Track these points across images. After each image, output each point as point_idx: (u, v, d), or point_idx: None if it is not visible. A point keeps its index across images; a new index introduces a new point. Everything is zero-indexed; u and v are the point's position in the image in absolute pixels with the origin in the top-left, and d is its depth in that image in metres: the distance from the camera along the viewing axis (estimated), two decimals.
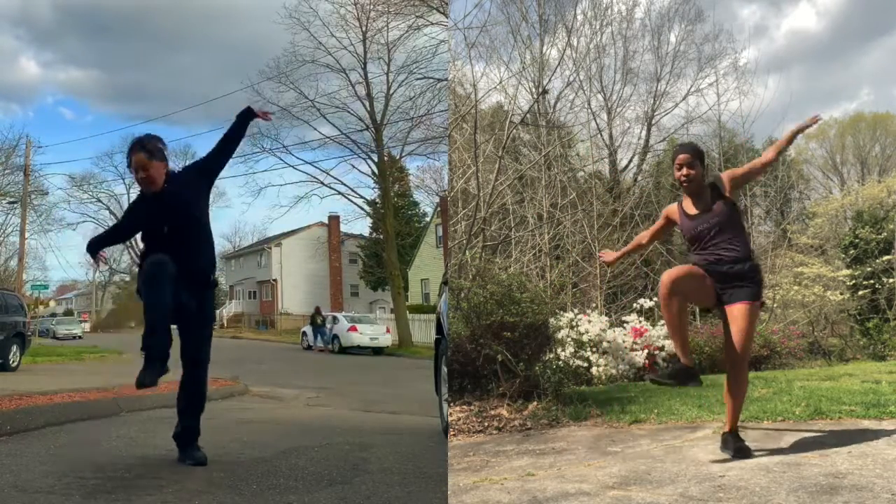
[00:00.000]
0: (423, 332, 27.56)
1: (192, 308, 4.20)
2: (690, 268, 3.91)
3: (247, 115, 4.49)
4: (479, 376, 6.08)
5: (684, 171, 3.97)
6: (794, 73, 42.25)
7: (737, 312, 3.83)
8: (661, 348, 9.82)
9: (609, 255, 4.93)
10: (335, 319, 26.44)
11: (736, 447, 3.80)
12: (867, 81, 46.26)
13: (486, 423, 5.43)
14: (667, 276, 3.78)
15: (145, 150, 4.10)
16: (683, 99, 19.97)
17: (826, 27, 47.41)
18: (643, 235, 4.70)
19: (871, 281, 16.78)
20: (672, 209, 4.21)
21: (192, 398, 4.36)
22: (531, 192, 13.67)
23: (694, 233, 3.97)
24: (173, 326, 4.08)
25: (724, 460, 3.74)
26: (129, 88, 70.66)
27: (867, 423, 4.50)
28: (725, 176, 4.06)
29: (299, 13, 27.82)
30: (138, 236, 4.48)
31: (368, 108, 28.69)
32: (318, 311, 27.79)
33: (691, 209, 4.02)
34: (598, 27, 18.03)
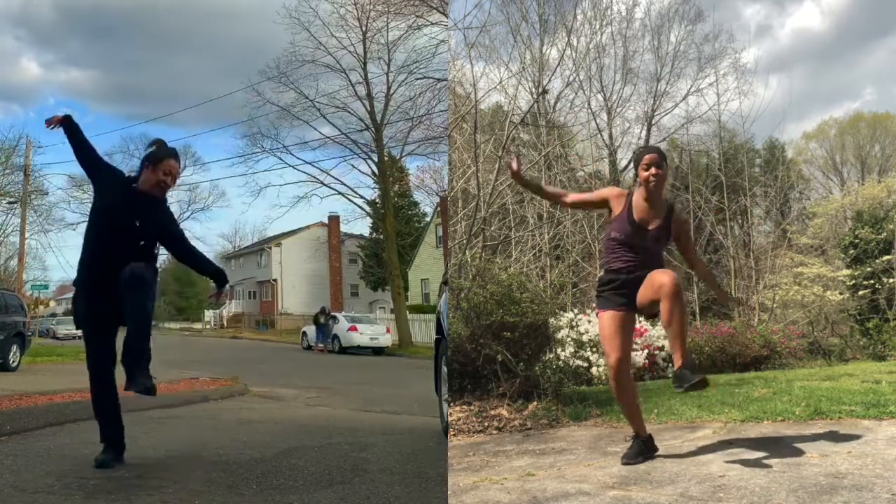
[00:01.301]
0: (423, 332, 27.55)
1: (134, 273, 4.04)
2: (617, 331, 3.92)
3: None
4: (479, 376, 6.07)
5: (653, 170, 3.90)
6: (798, 73, 42.27)
7: (652, 273, 3.78)
8: (661, 348, 9.83)
9: (514, 164, 4.31)
10: (335, 319, 26.45)
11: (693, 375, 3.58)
12: (870, 81, 46.28)
13: (486, 423, 5.43)
14: (615, 363, 3.90)
15: (178, 157, 4.27)
16: (683, 99, 19.97)
17: (830, 26, 47.41)
18: (572, 196, 4.44)
19: (871, 281, 16.78)
20: (618, 196, 4.04)
21: (133, 315, 4.01)
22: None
23: (627, 238, 3.93)
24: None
25: (722, 457, 3.74)
26: (130, 89, 70.70)
27: (867, 423, 4.50)
28: (683, 219, 4.12)
29: (299, 13, 27.87)
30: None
31: (368, 108, 28.71)
32: (322, 310, 27.78)
33: (641, 213, 3.94)
34: (598, 27, 18.04)
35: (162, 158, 4.17)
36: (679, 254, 4.36)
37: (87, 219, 4.43)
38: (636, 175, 4.03)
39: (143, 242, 4.16)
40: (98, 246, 4.18)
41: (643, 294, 3.86)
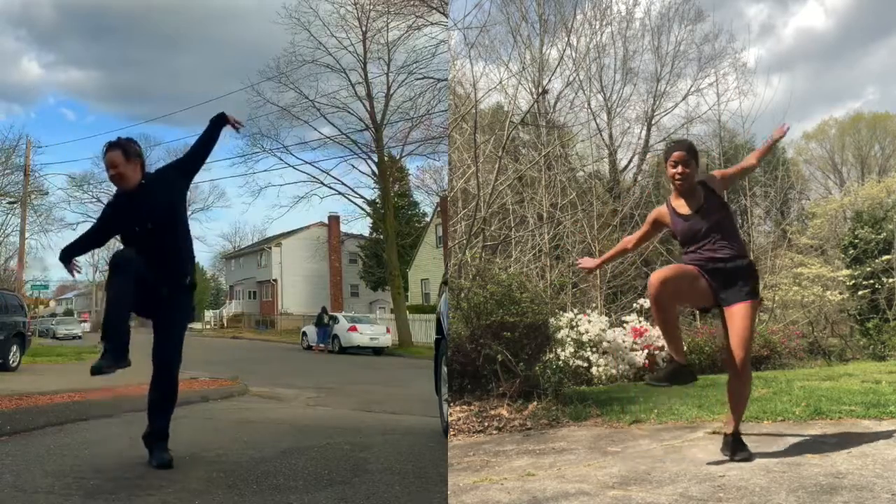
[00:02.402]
0: (423, 332, 27.55)
1: (166, 308, 4.22)
2: (681, 267, 3.86)
3: (220, 121, 4.52)
4: (479, 376, 6.07)
5: (679, 168, 3.89)
6: (800, 72, 42.31)
7: (736, 312, 3.77)
8: (661, 348, 9.82)
9: (588, 262, 4.75)
10: (335, 319, 26.45)
11: (737, 450, 3.75)
12: (872, 80, 46.29)
13: (486, 423, 5.43)
14: (656, 276, 3.72)
15: (118, 147, 4.19)
16: (683, 99, 20.00)
17: (833, 26, 47.41)
18: (629, 240, 4.55)
19: (871, 281, 16.78)
20: (661, 212, 4.09)
21: (162, 399, 4.29)
22: (531, 192, 13.67)
23: (689, 233, 3.91)
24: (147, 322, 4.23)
25: (723, 461, 3.74)
26: (130, 89, 70.70)
27: (867, 423, 4.50)
28: (717, 175, 4.04)
29: (299, 13, 27.85)
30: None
31: (368, 108, 28.70)
32: (324, 310, 27.78)
33: (684, 209, 3.95)
34: (598, 27, 18.05)
35: (104, 159, 4.20)
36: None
37: (87, 219, 4.46)
38: (665, 169, 4.03)
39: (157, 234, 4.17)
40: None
41: (724, 327, 3.88)
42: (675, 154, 3.92)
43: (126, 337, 3.97)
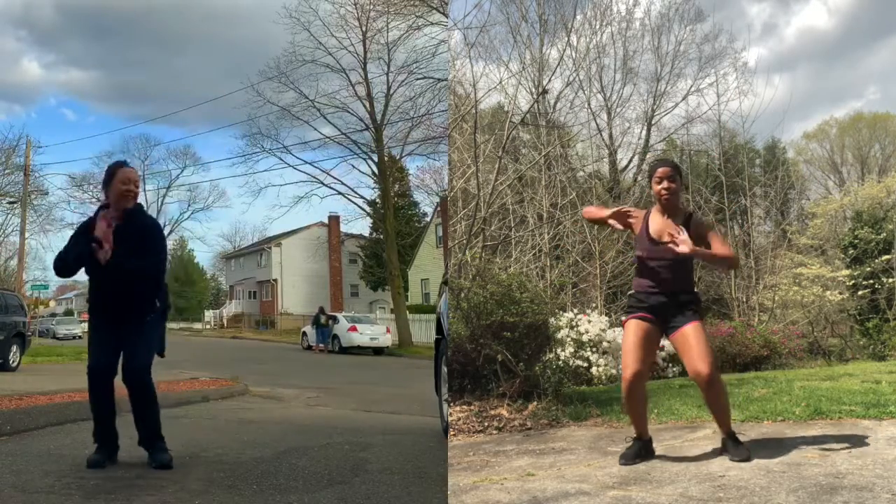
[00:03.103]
0: (423, 332, 27.55)
1: (134, 334, 4.20)
2: (642, 341, 3.85)
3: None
4: (479, 376, 6.07)
5: (665, 184, 3.88)
6: (802, 72, 42.32)
7: (688, 332, 3.78)
8: (661, 348, 9.82)
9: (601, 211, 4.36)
10: (335, 319, 26.45)
11: (734, 451, 3.74)
12: (874, 80, 46.29)
13: (486, 423, 5.42)
14: (627, 373, 3.83)
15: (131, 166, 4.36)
16: (683, 99, 20.02)
17: (836, 25, 47.40)
18: (606, 212, 4.27)
19: (871, 281, 16.78)
20: (635, 214, 4.03)
21: (141, 408, 4.28)
22: (531, 192, 13.67)
23: (652, 255, 3.89)
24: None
25: (725, 459, 3.74)
26: (131, 89, 70.77)
27: (867, 423, 4.50)
28: (705, 227, 3.99)
29: (299, 13, 27.89)
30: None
31: (368, 108, 28.71)
32: (321, 310, 27.78)
33: (658, 228, 3.89)
34: (598, 27, 18.06)
35: (113, 173, 4.26)
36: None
37: (86, 219, 4.43)
38: (650, 188, 4.00)
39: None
40: (95, 278, 4.28)
41: (677, 349, 3.90)
42: (661, 170, 3.92)
43: (115, 437, 4.25)
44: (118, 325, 4.19)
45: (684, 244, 3.74)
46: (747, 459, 3.67)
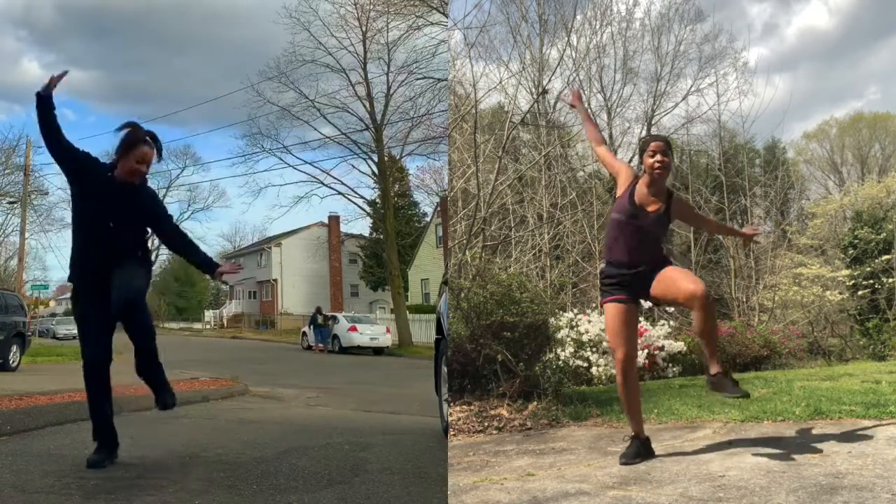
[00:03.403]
0: (423, 332, 27.56)
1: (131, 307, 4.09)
2: (627, 322, 3.93)
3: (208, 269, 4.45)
4: (479, 376, 6.07)
5: (659, 157, 3.89)
6: (803, 72, 42.31)
7: (669, 270, 3.87)
8: (661, 348, 9.83)
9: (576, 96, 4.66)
10: (335, 319, 26.45)
11: (736, 388, 3.77)
12: (875, 80, 46.26)
13: (486, 423, 5.42)
14: (619, 354, 3.90)
15: (156, 145, 4.08)
16: (683, 99, 20.00)
17: (837, 25, 47.38)
18: (600, 149, 4.40)
19: (871, 281, 16.78)
20: (627, 174, 4.06)
21: (150, 365, 4.28)
22: (531, 192, 13.68)
23: (629, 220, 3.94)
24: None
25: (727, 457, 3.74)
26: (131, 89, 70.76)
27: (867, 423, 4.49)
28: (684, 203, 4.10)
29: (299, 13, 27.92)
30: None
31: (368, 108, 28.73)
32: (318, 310, 27.79)
33: (642, 197, 3.94)
34: (598, 27, 18.06)
35: (134, 143, 4.01)
36: (695, 229, 4.39)
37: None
38: (641, 162, 4.02)
39: (128, 234, 4.12)
40: (85, 244, 4.13)
41: (662, 292, 3.89)
42: (655, 144, 3.94)
43: (113, 433, 4.21)
44: (104, 297, 4.01)
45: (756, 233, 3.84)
46: (746, 396, 3.77)
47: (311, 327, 26.94)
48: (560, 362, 6.75)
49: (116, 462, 4.15)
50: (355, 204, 32.76)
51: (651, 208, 3.93)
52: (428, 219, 36.80)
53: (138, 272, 4.16)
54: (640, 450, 3.94)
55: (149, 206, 4.24)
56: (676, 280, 3.81)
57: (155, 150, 4.10)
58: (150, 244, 4.46)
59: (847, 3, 47.10)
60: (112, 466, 4.08)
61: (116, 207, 4.04)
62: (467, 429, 5.35)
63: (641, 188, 3.97)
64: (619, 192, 4.05)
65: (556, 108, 17.42)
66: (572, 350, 8.89)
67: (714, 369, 3.80)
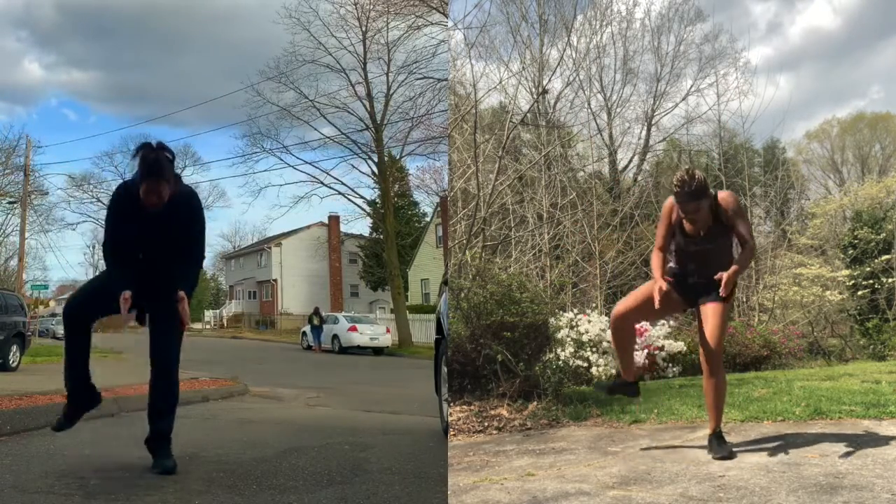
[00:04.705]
0: (423, 332, 27.55)
1: (159, 314, 4.06)
2: (644, 294, 4.03)
3: None
4: (479, 376, 6.07)
5: (690, 216, 3.87)
6: (806, 71, 42.26)
7: (709, 309, 3.91)
8: (661, 348, 9.83)
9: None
10: (335, 319, 26.45)
11: (722, 448, 3.83)
12: (878, 79, 46.16)
13: (486, 423, 5.42)
14: (616, 310, 4.10)
15: (160, 175, 3.83)
16: (683, 99, 20.03)
17: (841, 24, 47.30)
18: (661, 244, 4.16)
19: (871, 281, 16.76)
20: (671, 206, 4.01)
21: (161, 400, 4.09)
22: (531, 192, 13.67)
23: (685, 247, 4.00)
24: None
25: (722, 457, 3.74)
26: (131, 89, 70.64)
27: (867, 423, 4.50)
28: (731, 203, 3.93)
29: (299, 13, 27.88)
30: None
31: (368, 109, 28.72)
32: (316, 311, 27.80)
33: (689, 228, 3.96)
34: (598, 27, 18.07)
35: (143, 180, 3.83)
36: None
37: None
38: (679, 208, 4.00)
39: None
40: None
41: (699, 323, 4.01)
42: (690, 205, 3.79)
43: (86, 398, 4.20)
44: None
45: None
46: (731, 457, 3.75)
47: (311, 328, 26.96)
48: (560, 362, 6.75)
49: (116, 462, 4.15)
50: (355, 204, 32.77)
51: (702, 233, 3.96)
52: (428, 219, 36.79)
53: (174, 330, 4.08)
54: (621, 387, 4.62)
55: (183, 216, 4.03)
56: (706, 326, 3.91)
57: (161, 180, 3.84)
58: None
59: (851, 2, 47.02)
60: (112, 467, 4.08)
61: (146, 234, 3.95)
62: (467, 429, 5.35)
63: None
64: (673, 219, 4.07)
65: (556, 108, 17.45)
66: (572, 350, 8.88)
67: (711, 427, 3.98)
